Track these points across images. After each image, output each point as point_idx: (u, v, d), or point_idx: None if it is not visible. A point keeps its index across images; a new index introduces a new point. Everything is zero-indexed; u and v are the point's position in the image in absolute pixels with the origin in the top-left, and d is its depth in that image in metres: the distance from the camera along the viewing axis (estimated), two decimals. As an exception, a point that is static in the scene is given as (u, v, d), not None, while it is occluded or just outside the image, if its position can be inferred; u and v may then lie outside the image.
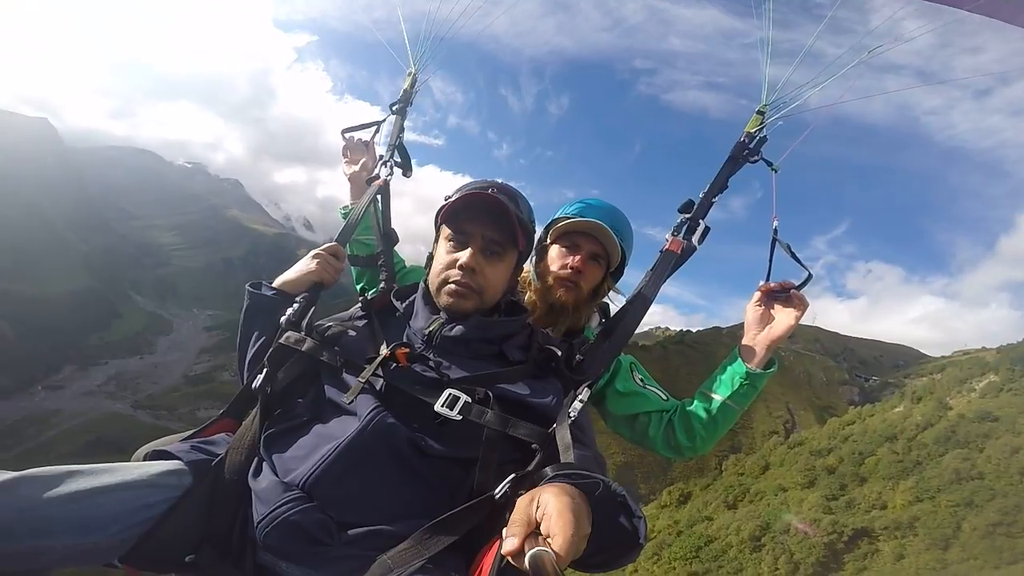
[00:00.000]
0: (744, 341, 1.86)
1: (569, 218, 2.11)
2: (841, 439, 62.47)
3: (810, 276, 1.84)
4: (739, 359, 1.83)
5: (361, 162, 2.44)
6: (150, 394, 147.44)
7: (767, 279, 1.89)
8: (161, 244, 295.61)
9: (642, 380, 2.02)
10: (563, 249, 2.09)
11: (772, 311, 1.85)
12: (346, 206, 2.37)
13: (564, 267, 2.04)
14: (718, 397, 1.83)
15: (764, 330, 1.83)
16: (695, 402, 1.90)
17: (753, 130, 2.03)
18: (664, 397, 2.02)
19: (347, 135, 2.51)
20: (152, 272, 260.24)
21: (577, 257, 2.03)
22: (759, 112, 2.05)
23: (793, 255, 1.87)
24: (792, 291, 1.82)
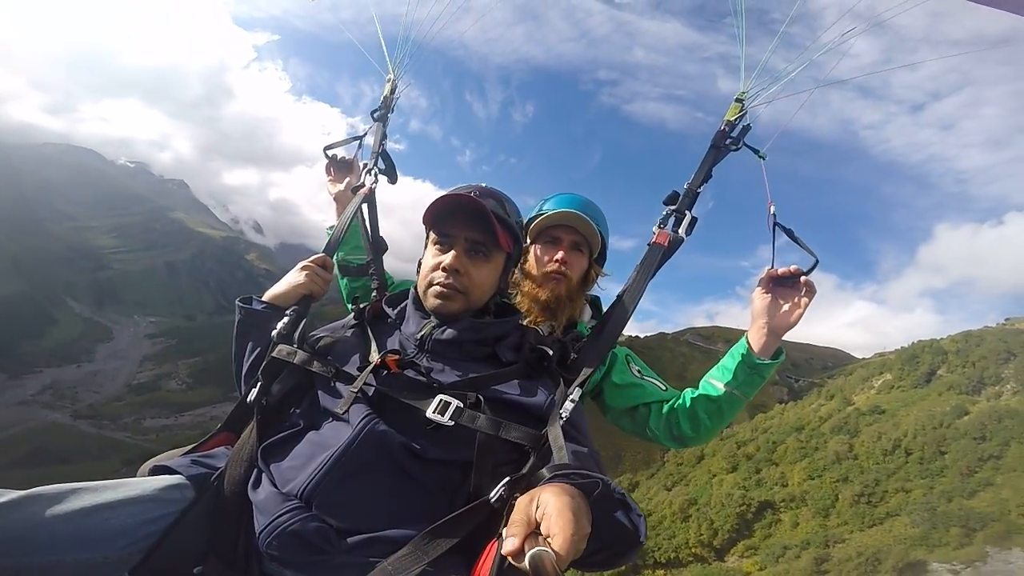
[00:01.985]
0: (752, 330, 1.81)
1: (541, 215, 2.12)
2: (761, 431, 72.13)
3: (817, 261, 1.77)
4: (747, 348, 1.79)
5: (346, 180, 2.40)
6: (90, 403, 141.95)
7: (772, 266, 1.82)
8: (100, 246, 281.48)
9: (639, 371, 2.01)
10: (544, 245, 2.10)
11: (780, 299, 1.80)
12: (332, 226, 2.28)
13: (550, 262, 2.04)
14: (725, 387, 1.80)
15: (773, 318, 1.78)
16: (699, 391, 1.87)
17: (733, 118, 2.00)
18: (663, 387, 2.01)
19: (330, 153, 2.47)
20: (90, 276, 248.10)
21: (560, 250, 2.05)
22: (738, 100, 2.02)
23: (797, 240, 1.81)
24: (801, 277, 1.76)
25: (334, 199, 2.41)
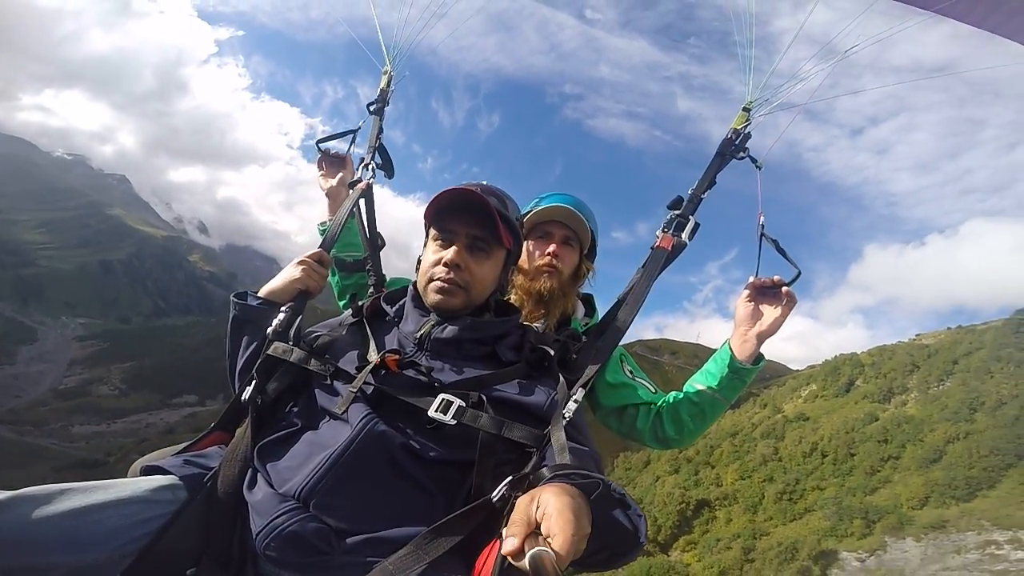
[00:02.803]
0: (734, 336, 1.85)
1: (536, 210, 2.13)
2: (704, 437, 77.95)
3: (799, 273, 1.82)
4: (729, 353, 1.82)
5: (339, 176, 2.35)
6: (11, 408, 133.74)
7: (756, 275, 1.86)
8: (26, 242, 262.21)
9: (631, 372, 2.02)
10: (537, 240, 2.11)
11: (761, 307, 1.84)
12: (324, 222, 2.29)
13: (542, 256, 2.05)
14: (707, 390, 1.84)
15: (754, 325, 1.81)
16: (683, 395, 1.91)
17: (739, 127, 2.02)
18: (652, 389, 2.03)
19: (323, 147, 2.41)
20: (13, 272, 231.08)
21: (552, 244, 2.07)
22: (745, 109, 2.04)
23: (782, 252, 1.86)
24: (783, 288, 1.80)
25: (326, 195, 2.36)
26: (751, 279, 1.86)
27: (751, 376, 1.82)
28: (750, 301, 1.85)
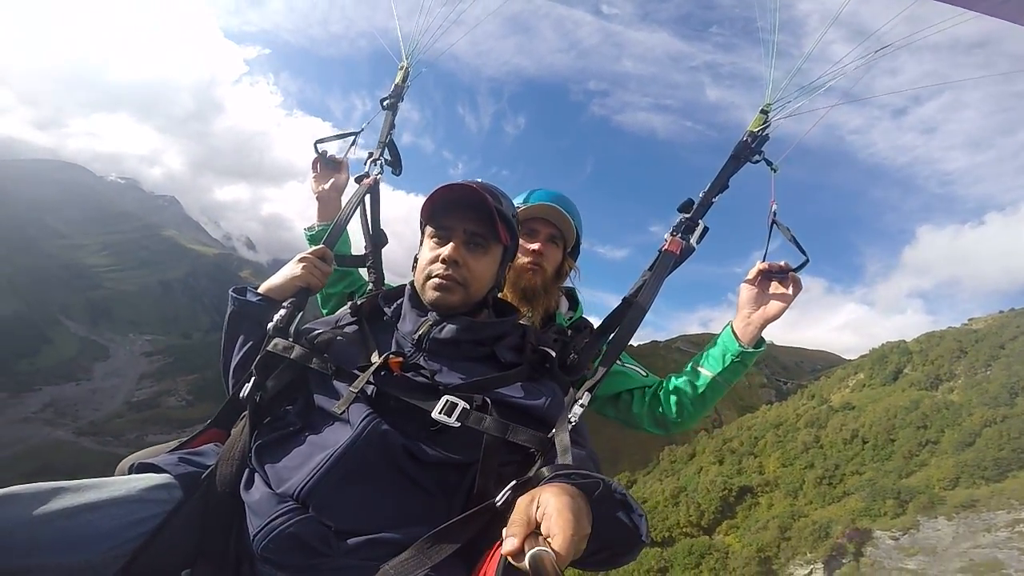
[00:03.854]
0: (737, 319, 1.88)
1: (521, 207, 2.12)
2: (746, 428, 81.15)
3: (807, 260, 1.84)
4: (732, 337, 1.86)
5: (332, 180, 2.31)
6: (92, 420, 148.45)
7: (764, 259, 1.90)
8: (92, 265, 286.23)
9: (620, 359, 1.98)
10: (521, 237, 2.05)
11: (767, 291, 1.87)
12: (312, 227, 2.28)
13: (526, 253, 2.07)
14: (709, 373, 1.87)
15: (758, 310, 1.85)
16: (683, 377, 1.93)
17: (756, 129, 2.01)
18: (644, 373, 2.07)
19: (320, 147, 2.34)
20: (83, 295, 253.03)
21: (537, 242, 2.09)
22: (763, 111, 2.04)
23: (793, 239, 1.87)
24: (790, 273, 1.84)
25: (316, 198, 2.31)
26: (757, 263, 1.90)
27: (752, 359, 1.85)
28: (755, 285, 1.89)
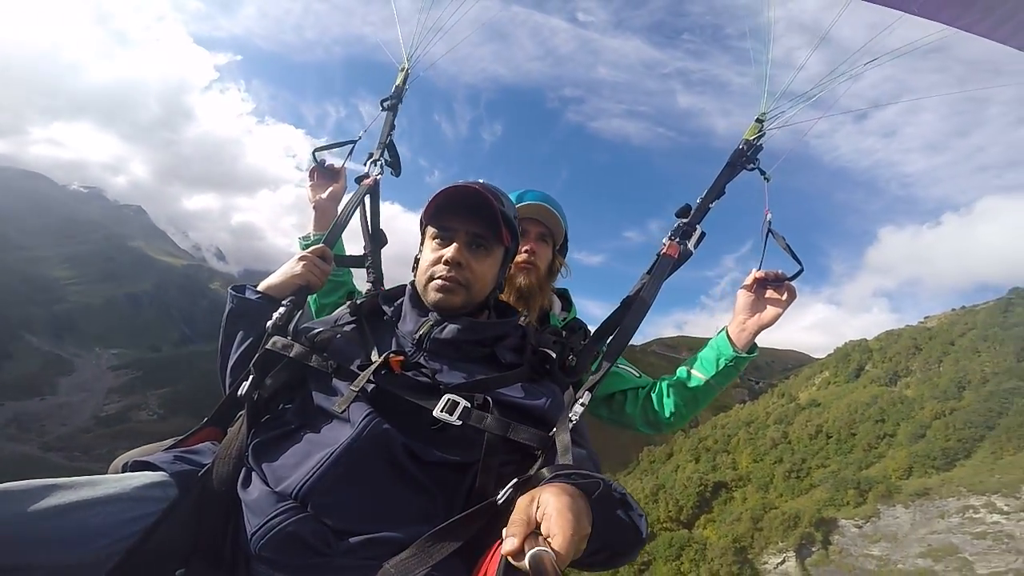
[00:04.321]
0: (732, 325, 1.94)
1: None
2: (720, 427, 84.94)
3: (802, 269, 1.88)
4: (727, 341, 1.91)
5: (329, 190, 2.31)
6: (59, 435, 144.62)
7: (759, 267, 1.94)
8: (55, 278, 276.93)
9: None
10: None
11: (762, 299, 1.92)
12: (307, 235, 2.27)
13: (519, 252, 2.04)
14: (702, 376, 1.92)
15: (753, 316, 1.90)
16: (676, 379, 1.99)
17: (751, 138, 2.05)
18: (637, 374, 2.11)
19: (318, 156, 2.37)
20: (46, 309, 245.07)
21: (528, 243, 2.13)
22: (758, 120, 2.09)
23: (788, 248, 1.91)
24: (784, 281, 1.89)
25: (313, 207, 2.31)
26: (754, 271, 1.94)
27: (745, 364, 1.90)
28: (750, 292, 1.94)
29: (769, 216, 1.96)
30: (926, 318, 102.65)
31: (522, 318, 1.78)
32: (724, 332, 1.96)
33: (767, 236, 1.97)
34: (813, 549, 46.49)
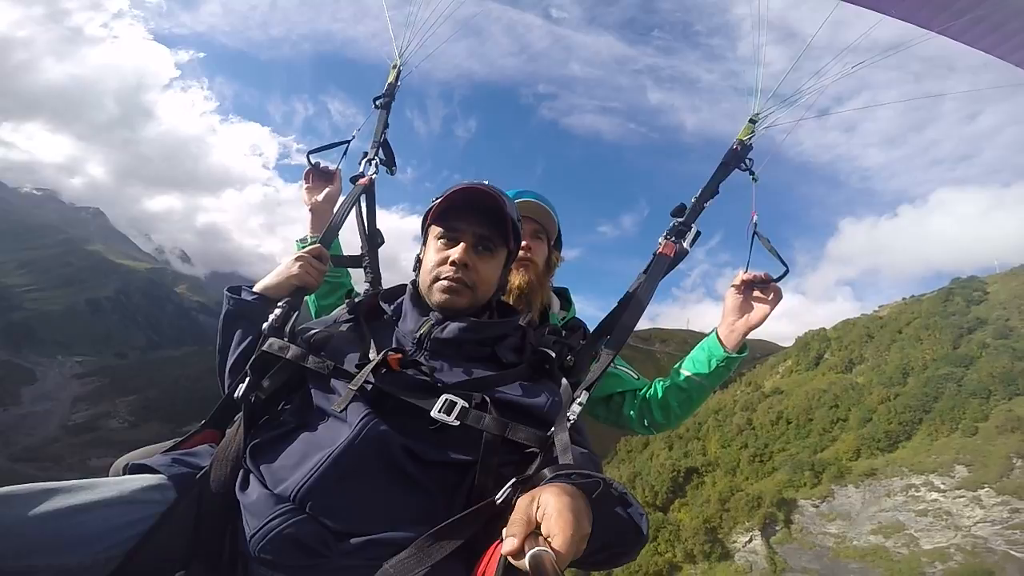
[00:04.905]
0: (721, 326, 2.01)
1: None
2: (693, 416, 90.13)
3: (787, 270, 1.93)
4: (717, 342, 1.97)
5: (325, 192, 2.32)
6: (26, 446, 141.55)
7: (746, 270, 2.01)
8: (10, 285, 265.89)
9: (614, 361, 2.00)
10: None
11: (749, 300, 1.99)
12: (304, 238, 2.27)
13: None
14: (694, 376, 1.98)
15: (742, 317, 1.96)
16: (670, 381, 2.04)
17: (745, 138, 2.09)
18: (635, 376, 2.15)
19: (313, 158, 2.37)
20: (2, 317, 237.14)
21: (524, 240, 2.07)
22: (751, 121, 2.12)
23: (773, 250, 1.98)
24: (771, 283, 1.95)
25: (310, 210, 2.32)
26: (741, 273, 2.01)
27: (736, 364, 1.97)
28: (738, 294, 2.00)
29: (755, 218, 2.00)
30: (880, 307, 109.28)
31: (524, 317, 1.81)
32: (714, 333, 2.01)
33: (753, 238, 2.03)
34: (776, 528, 51.06)
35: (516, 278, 2.10)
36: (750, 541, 50.63)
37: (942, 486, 47.08)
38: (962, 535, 43.13)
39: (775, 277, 1.98)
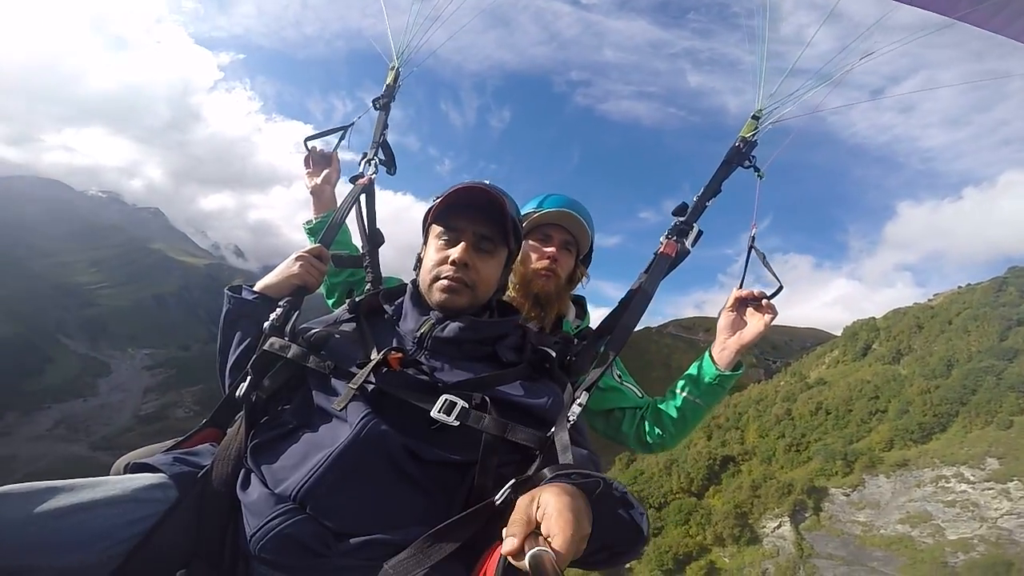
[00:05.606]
0: (715, 344, 2.00)
1: (536, 212, 2.22)
2: (732, 406, 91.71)
3: (781, 287, 1.93)
4: (710, 361, 1.97)
5: (324, 173, 2.39)
6: (104, 435, 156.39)
7: (740, 286, 2.00)
8: (83, 283, 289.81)
9: (620, 376, 2.12)
10: (536, 242, 2.21)
11: (743, 317, 1.98)
12: (310, 220, 2.34)
13: (541, 257, 2.15)
14: (688, 396, 1.98)
15: (735, 335, 1.96)
16: (666, 400, 2.04)
17: (748, 135, 2.08)
18: (639, 394, 2.14)
19: (310, 144, 2.42)
20: (78, 313, 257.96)
21: (552, 247, 2.17)
22: (754, 117, 2.11)
23: (767, 266, 1.98)
24: (764, 300, 1.94)
25: (311, 193, 2.39)
26: (735, 291, 2.01)
27: (730, 382, 1.96)
28: (732, 311, 2.00)
29: (754, 231, 1.99)
30: (934, 296, 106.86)
31: (533, 322, 1.89)
32: (708, 352, 2.02)
33: (750, 252, 2.03)
34: (806, 515, 53.25)
35: (535, 286, 2.14)
36: (779, 527, 53.12)
37: (972, 478, 48.11)
38: (987, 527, 44.26)
39: (769, 294, 1.97)
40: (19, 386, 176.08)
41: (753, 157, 2.13)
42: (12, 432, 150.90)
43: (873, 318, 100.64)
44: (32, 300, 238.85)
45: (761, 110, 2.13)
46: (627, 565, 52.11)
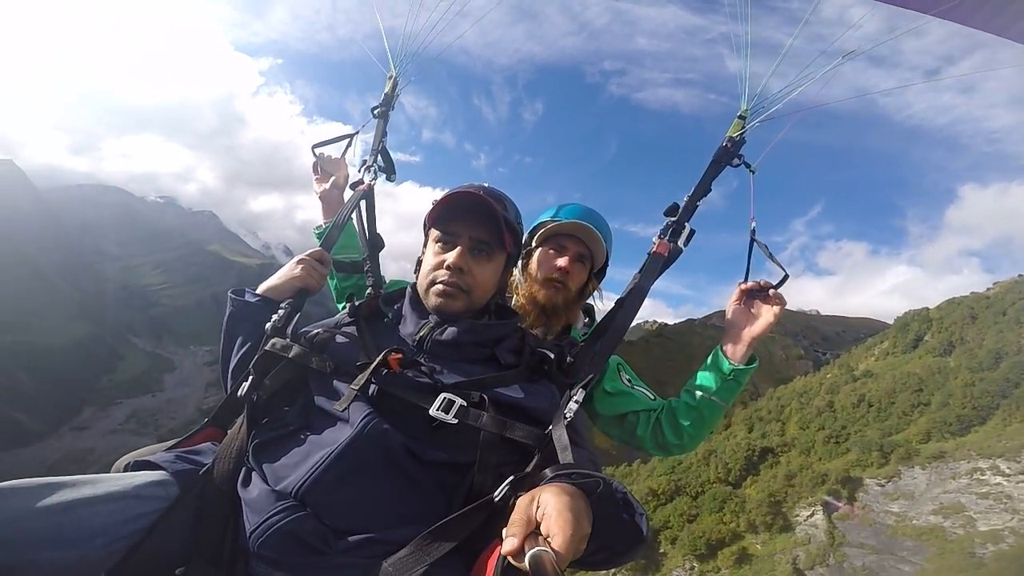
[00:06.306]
0: (725, 339, 1.97)
1: (553, 221, 2.23)
2: (776, 398, 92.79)
3: (786, 276, 1.93)
4: (721, 356, 1.95)
5: (332, 179, 2.46)
6: (171, 428, 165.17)
7: (745, 279, 2.00)
8: (147, 284, 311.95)
9: (629, 380, 2.11)
10: (550, 252, 2.21)
11: (752, 309, 1.97)
12: (319, 226, 2.39)
13: (552, 268, 2.16)
14: (703, 394, 1.95)
15: (745, 328, 1.95)
16: (681, 400, 2.01)
17: (735, 135, 2.11)
18: (651, 396, 2.12)
19: (317, 151, 2.52)
20: (144, 313, 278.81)
21: (565, 258, 2.17)
22: (740, 117, 2.13)
23: (770, 256, 1.99)
24: (771, 290, 1.94)
25: (319, 198, 2.47)
26: (740, 285, 2.01)
27: (745, 376, 1.93)
28: (740, 304, 2.00)
29: (754, 224, 2.01)
30: (993, 285, 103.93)
31: (539, 331, 1.89)
32: (719, 348, 2.00)
33: (752, 245, 2.02)
34: (839, 504, 55.53)
35: (543, 296, 2.15)
36: (812, 515, 54.97)
37: (1007, 470, 48.62)
38: (1019, 519, 44.81)
39: (775, 284, 1.97)
40: (96, 383, 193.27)
41: (741, 155, 2.14)
42: (90, 427, 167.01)
43: (927, 308, 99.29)
44: (103, 301, 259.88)
45: (747, 110, 2.16)
46: (660, 550, 56.09)
